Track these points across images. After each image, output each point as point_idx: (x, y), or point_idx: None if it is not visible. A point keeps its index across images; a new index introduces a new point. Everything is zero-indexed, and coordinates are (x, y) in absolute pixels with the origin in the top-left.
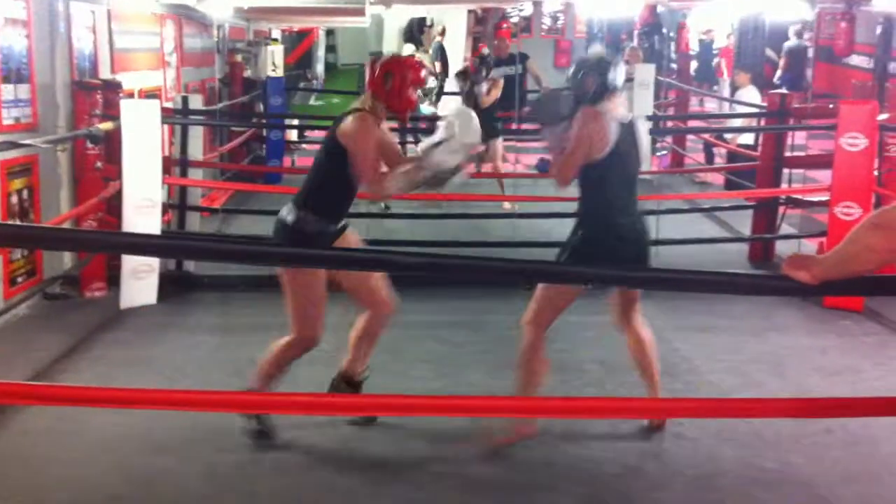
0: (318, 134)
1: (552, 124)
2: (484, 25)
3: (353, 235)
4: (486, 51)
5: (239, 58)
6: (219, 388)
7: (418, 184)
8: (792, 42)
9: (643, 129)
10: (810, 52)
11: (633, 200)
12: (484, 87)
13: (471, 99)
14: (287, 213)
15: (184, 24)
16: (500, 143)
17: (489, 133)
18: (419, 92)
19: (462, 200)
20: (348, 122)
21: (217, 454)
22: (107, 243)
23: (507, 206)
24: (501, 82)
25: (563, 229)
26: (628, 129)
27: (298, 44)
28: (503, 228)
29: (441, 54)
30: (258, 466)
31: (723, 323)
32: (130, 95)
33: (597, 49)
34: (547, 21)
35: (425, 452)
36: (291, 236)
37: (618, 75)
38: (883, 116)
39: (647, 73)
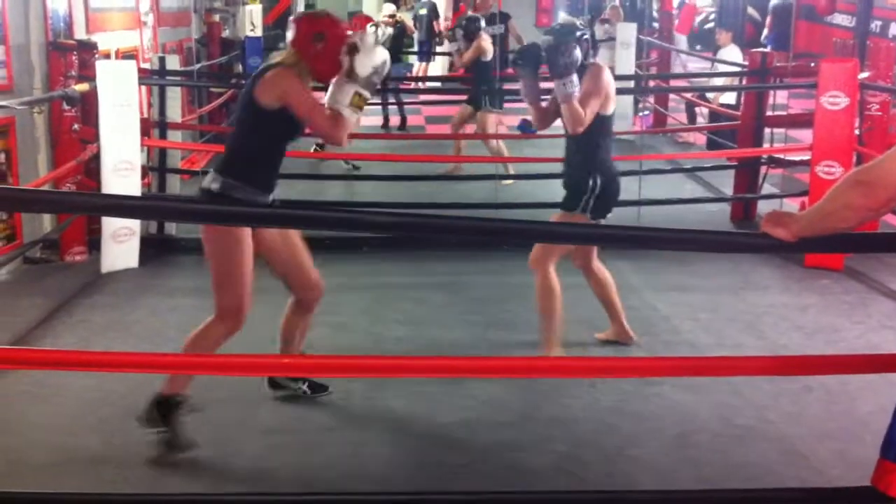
0: None
1: (562, 76)
2: None
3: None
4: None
5: (216, 18)
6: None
7: (359, 99)
8: (777, 0)
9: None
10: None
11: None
12: (455, 47)
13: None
14: (211, 182)
15: None
16: (489, 118)
17: (473, 104)
18: None
19: (443, 162)
20: (271, 80)
21: (198, 418)
22: (88, 205)
23: (506, 182)
24: (482, 43)
25: (544, 191)
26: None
27: (277, 3)
28: (485, 191)
29: (433, 13)
30: (240, 428)
31: (702, 282)
32: (106, 56)
33: (565, 17)
34: None
35: (404, 413)
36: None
37: (595, 32)
38: (864, 75)
39: (628, 31)
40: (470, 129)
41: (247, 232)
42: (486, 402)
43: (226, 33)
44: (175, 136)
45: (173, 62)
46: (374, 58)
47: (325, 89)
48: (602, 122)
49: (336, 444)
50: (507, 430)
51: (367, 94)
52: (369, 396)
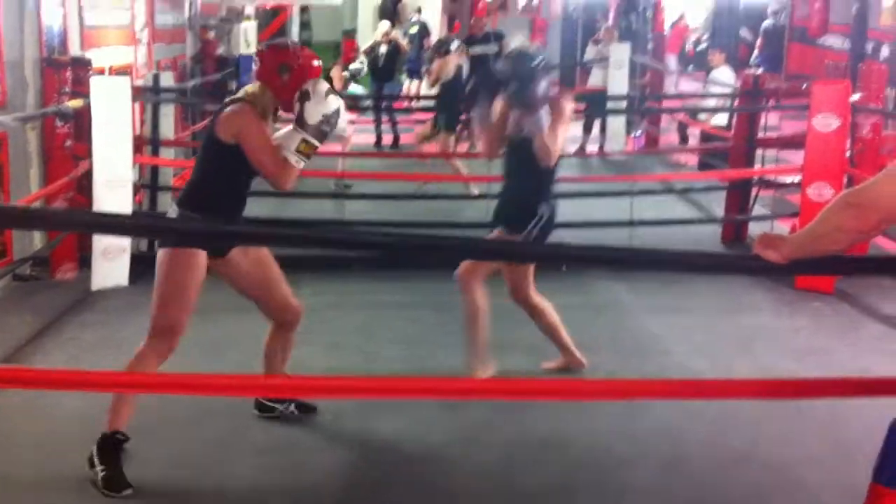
0: None
1: (534, 110)
2: (460, 3)
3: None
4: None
5: (211, 35)
6: (190, 371)
7: (307, 150)
8: (769, 22)
9: None
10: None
11: None
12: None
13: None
14: (171, 214)
15: (155, 0)
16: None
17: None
18: (346, 72)
19: (432, 181)
20: (228, 116)
21: (188, 438)
22: (78, 222)
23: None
24: (443, 64)
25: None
26: None
27: (272, 21)
28: (474, 210)
29: (423, 31)
30: (232, 448)
31: (693, 304)
32: (101, 72)
33: (520, 40)
34: (523, 0)
35: (396, 434)
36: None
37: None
38: (855, 97)
39: (622, 52)
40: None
41: (201, 256)
42: (478, 423)
43: (221, 51)
44: (168, 154)
45: (167, 79)
46: (325, 106)
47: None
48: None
49: (327, 465)
50: (500, 451)
51: (315, 142)
52: (361, 417)
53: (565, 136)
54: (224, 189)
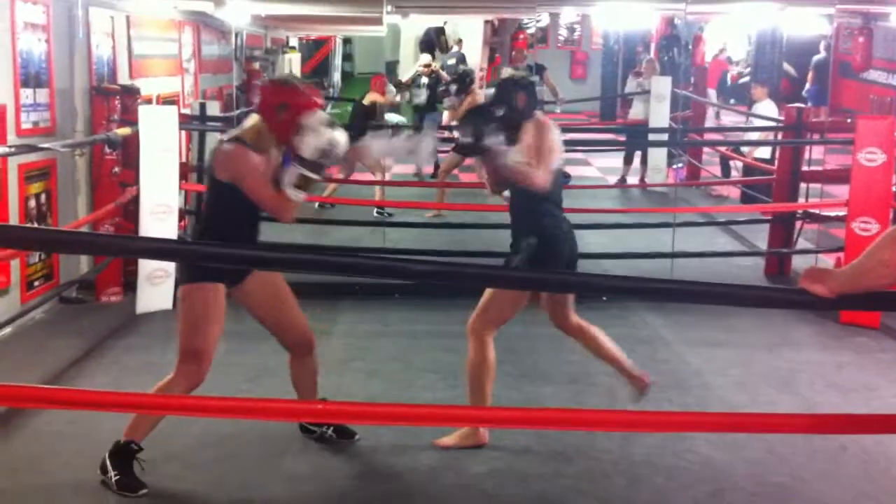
0: None
1: (483, 139)
2: (500, 36)
3: (275, 274)
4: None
5: (256, 65)
6: (231, 395)
7: (304, 183)
8: (820, 56)
9: None
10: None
11: (562, 208)
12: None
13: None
14: None
15: (202, 31)
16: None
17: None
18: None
19: (470, 210)
20: (224, 158)
21: (226, 461)
22: (124, 248)
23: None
24: (474, 97)
25: (599, 239)
26: None
27: (315, 52)
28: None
29: (461, 61)
30: (269, 474)
31: (735, 338)
32: (148, 101)
33: (508, 71)
34: (563, 32)
35: (434, 463)
36: (189, 268)
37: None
38: None
39: (663, 85)
40: (470, 176)
41: (219, 288)
42: (515, 453)
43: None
44: None
45: (213, 108)
46: (320, 140)
47: None
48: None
49: (363, 494)
50: (537, 483)
51: (311, 175)
52: (398, 444)
53: (550, 156)
54: (233, 221)
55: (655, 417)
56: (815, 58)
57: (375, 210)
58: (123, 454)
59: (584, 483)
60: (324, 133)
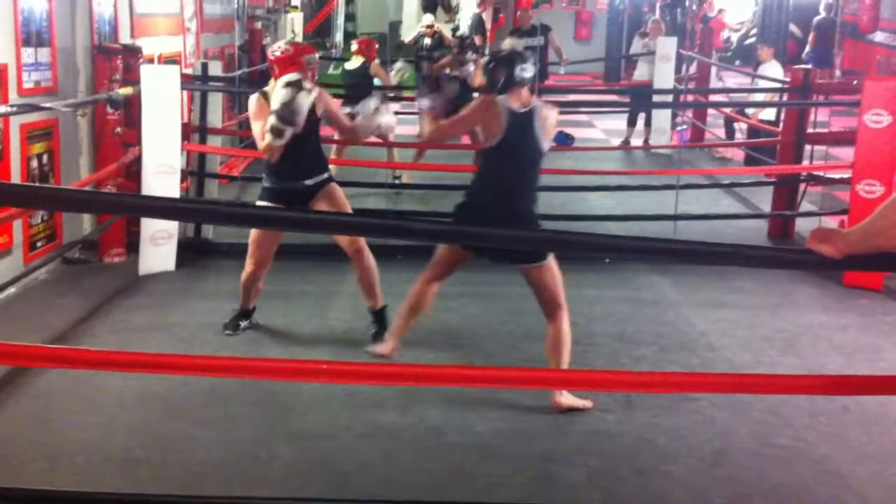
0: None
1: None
2: None
3: (334, 191)
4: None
5: (258, 25)
6: (235, 354)
7: (276, 130)
8: (821, 17)
9: (549, 114)
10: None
11: (525, 188)
12: (470, 67)
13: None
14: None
15: None
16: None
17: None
18: (392, 72)
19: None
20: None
21: (232, 420)
22: (128, 206)
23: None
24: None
25: (577, 203)
26: (524, 118)
27: (318, 12)
28: (558, 202)
29: (479, 26)
30: (274, 433)
31: (740, 299)
32: (150, 61)
33: (509, 42)
34: None
35: (439, 422)
36: (260, 194)
37: (525, 71)
38: None
39: (668, 46)
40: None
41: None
42: (519, 412)
43: (267, 40)
44: (215, 141)
45: (215, 68)
46: (280, 96)
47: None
48: (485, 156)
49: (369, 451)
50: (541, 441)
51: (276, 123)
52: (403, 405)
53: (455, 127)
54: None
55: (660, 378)
56: (816, 19)
57: (392, 176)
58: (241, 314)
59: (588, 442)
60: (282, 92)
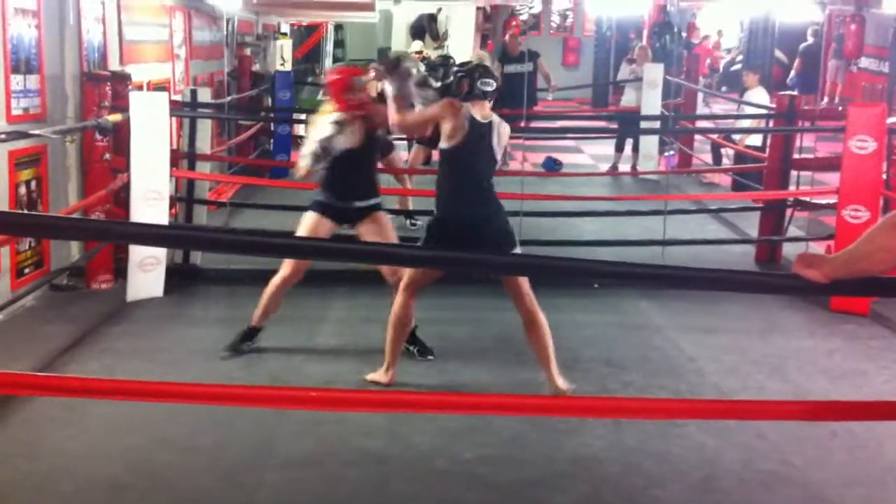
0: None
1: (397, 81)
2: (493, 22)
3: (381, 217)
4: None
5: (248, 51)
6: (224, 381)
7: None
8: (807, 43)
9: (504, 129)
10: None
11: (482, 194)
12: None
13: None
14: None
15: (193, 17)
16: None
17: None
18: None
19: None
20: None
21: (220, 447)
22: (116, 233)
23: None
24: None
25: (567, 228)
26: (483, 128)
27: (307, 38)
28: (546, 228)
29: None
30: (262, 460)
31: (727, 324)
32: (139, 87)
33: (481, 54)
34: (556, 19)
35: (426, 448)
36: (311, 205)
37: (487, 85)
38: (892, 119)
39: (655, 71)
40: None
41: (324, 222)
42: (508, 439)
43: (256, 67)
44: (203, 168)
45: (204, 94)
46: (325, 129)
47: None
48: (441, 160)
49: (357, 479)
50: (529, 468)
51: (316, 151)
52: (391, 431)
53: (418, 118)
54: (335, 168)
55: (648, 404)
56: (802, 45)
57: (409, 222)
58: (250, 334)
59: (576, 469)
60: (330, 129)
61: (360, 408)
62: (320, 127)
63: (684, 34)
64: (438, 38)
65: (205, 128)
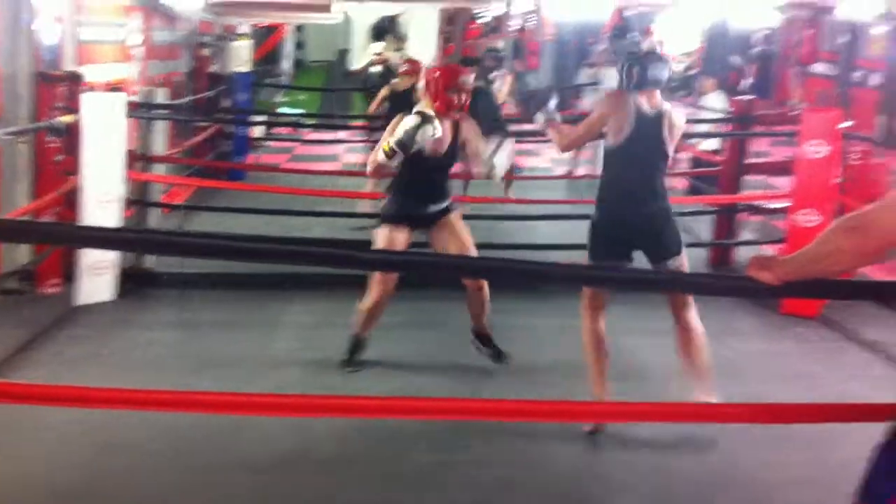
0: (285, 131)
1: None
2: (453, 25)
3: (456, 219)
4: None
5: (206, 52)
6: (176, 387)
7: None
8: (761, 49)
9: (677, 119)
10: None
11: (647, 191)
12: (496, 82)
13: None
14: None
15: (151, 17)
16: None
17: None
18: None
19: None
20: None
21: (172, 454)
22: (65, 235)
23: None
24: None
25: (525, 231)
26: (652, 122)
27: (266, 40)
28: (504, 231)
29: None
30: (215, 466)
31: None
32: (95, 88)
33: (648, 43)
34: (516, 22)
35: (388, 454)
36: (383, 216)
37: (660, 71)
38: (846, 124)
39: (614, 76)
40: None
41: (401, 230)
42: (460, 445)
43: (214, 68)
44: (159, 170)
45: (161, 95)
46: (409, 121)
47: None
48: (606, 156)
49: (323, 486)
50: (484, 470)
51: (393, 146)
52: (351, 437)
53: (590, 132)
54: (407, 176)
55: (598, 408)
56: (755, 51)
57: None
58: (357, 344)
59: (527, 472)
60: (413, 121)
61: (309, 413)
62: (407, 120)
63: (641, 39)
64: (400, 40)
65: (161, 129)
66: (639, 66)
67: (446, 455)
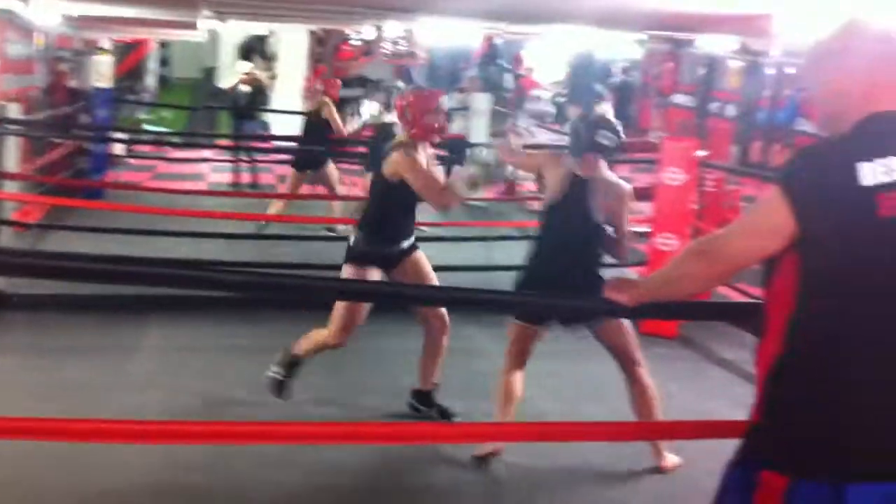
0: (147, 148)
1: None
2: (324, 47)
3: (420, 256)
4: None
5: (64, 67)
6: (22, 414)
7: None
8: (619, 79)
9: (615, 190)
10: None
11: (569, 257)
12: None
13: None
14: (352, 236)
15: (6, 29)
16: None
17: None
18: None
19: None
20: (392, 158)
21: (16, 484)
22: None
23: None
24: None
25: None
26: (581, 187)
27: (128, 55)
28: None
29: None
30: (64, 495)
31: (548, 347)
32: None
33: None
34: (388, 45)
35: (247, 480)
36: (346, 254)
37: (604, 139)
38: (702, 153)
39: (482, 101)
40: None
41: (372, 271)
42: (332, 469)
43: (73, 83)
44: (12, 187)
45: (14, 111)
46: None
47: None
48: (541, 212)
49: None
50: (354, 494)
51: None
52: (210, 464)
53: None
54: (385, 216)
55: (470, 429)
56: (613, 80)
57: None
58: (292, 363)
59: (405, 495)
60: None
61: (169, 440)
62: (461, 170)
63: (510, 66)
64: (267, 59)
65: (13, 145)
66: (584, 129)
67: (319, 478)
